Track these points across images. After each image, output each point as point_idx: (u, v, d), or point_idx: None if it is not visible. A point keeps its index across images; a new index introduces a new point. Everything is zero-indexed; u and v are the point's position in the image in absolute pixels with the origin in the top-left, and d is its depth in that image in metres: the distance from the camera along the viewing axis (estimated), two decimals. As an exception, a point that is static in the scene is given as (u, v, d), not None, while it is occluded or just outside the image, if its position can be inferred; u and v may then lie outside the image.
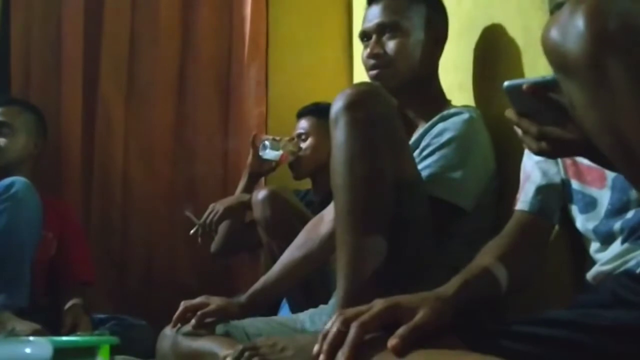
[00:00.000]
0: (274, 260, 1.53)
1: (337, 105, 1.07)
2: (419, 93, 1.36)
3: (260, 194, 1.71)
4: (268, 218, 1.68)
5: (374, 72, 1.35)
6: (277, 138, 1.98)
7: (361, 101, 1.06)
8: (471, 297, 0.82)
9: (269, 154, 1.95)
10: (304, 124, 2.03)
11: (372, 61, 1.35)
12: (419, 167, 1.21)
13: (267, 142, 1.95)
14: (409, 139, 1.31)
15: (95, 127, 2.25)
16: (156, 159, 2.32)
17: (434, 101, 1.38)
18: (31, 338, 0.51)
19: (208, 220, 1.84)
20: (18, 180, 1.74)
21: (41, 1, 2.24)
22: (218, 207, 1.86)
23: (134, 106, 2.32)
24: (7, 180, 1.74)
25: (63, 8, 2.24)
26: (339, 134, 1.06)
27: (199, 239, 1.85)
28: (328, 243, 1.33)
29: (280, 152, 1.95)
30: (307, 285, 1.58)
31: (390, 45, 1.34)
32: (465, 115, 1.28)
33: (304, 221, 1.50)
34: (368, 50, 1.36)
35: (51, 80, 2.22)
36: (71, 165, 2.19)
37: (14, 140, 1.95)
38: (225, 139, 2.40)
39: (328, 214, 1.38)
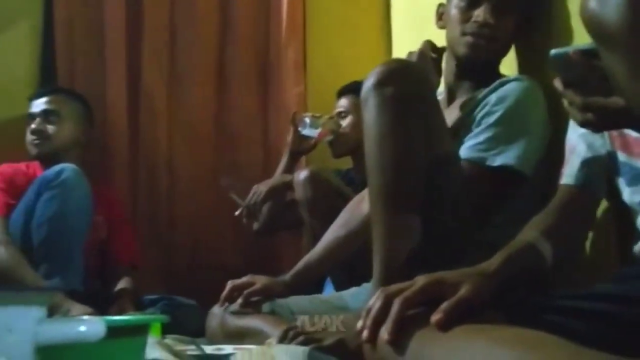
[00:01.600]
0: (315, 239, 1.55)
1: (367, 84, 1.07)
2: (484, 67, 1.35)
3: (302, 174, 1.73)
4: (309, 198, 1.69)
5: (473, 39, 1.30)
6: (317, 115, 1.99)
7: (390, 79, 1.05)
8: (515, 273, 0.82)
9: (309, 130, 1.96)
10: (343, 102, 2.04)
11: (479, 29, 1.29)
12: (481, 136, 1.20)
13: (306, 119, 1.96)
14: (456, 111, 1.30)
15: (139, 114, 2.30)
16: (198, 143, 2.36)
17: (491, 73, 1.36)
18: (85, 317, 0.53)
19: (252, 202, 1.87)
20: (67, 167, 1.79)
21: (84, -8, 2.29)
22: (261, 188, 1.88)
23: (175, 92, 2.36)
24: (57, 167, 1.79)
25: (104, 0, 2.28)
26: (368, 112, 1.06)
27: (244, 220, 1.88)
28: (369, 221, 1.33)
29: (319, 129, 1.95)
30: (351, 264, 1.60)
31: (501, 22, 1.30)
32: (523, 83, 1.26)
33: (345, 201, 1.51)
34: (479, 14, 1.28)
35: (96, 70, 2.27)
36: (118, 152, 2.25)
37: (61, 127, 2.01)
38: (264, 120, 2.42)
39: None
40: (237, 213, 1.90)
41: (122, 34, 2.28)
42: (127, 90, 2.28)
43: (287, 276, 1.46)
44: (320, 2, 2.50)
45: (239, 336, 1.35)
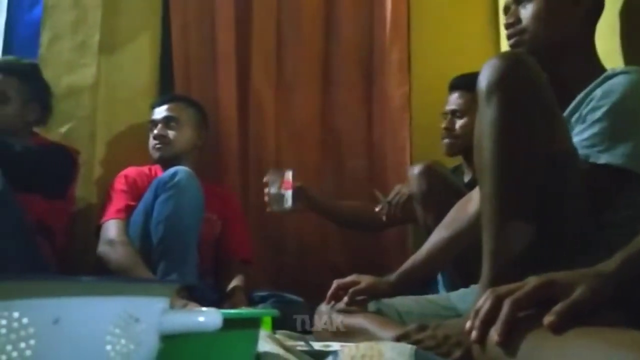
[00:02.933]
0: (428, 233, 1.53)
1: (485, 79, 1.02)
2: (568, 59, 1.27)
3: (417, 167, 1.71)
4: (424, 191, 1.67)
5: (510, 41, 1.29)
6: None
7: (513, 73, 1.00)
8: (635, 274, 0.77)
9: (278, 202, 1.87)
10: (457, 100, 1.95)
11: (509, 30, 1.29)
12: (585, 133, 1.14)
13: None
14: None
15: (249, 117, 2.39)
16: (305, 145, 2.42)
17: (586, 67, 1.27)
18: (203, 309, 0.56)
19: (394, 202, 1.86)
20: (180, 170, 1.90)
21: (197, 4, 2.41)
22: (404, 190, 1.86)
23: (283, 95, 2.43)
24: (171, 170, 1.91)
25: (216, 8, 2.39)
26: (489, 110, 1.00)
27: (384, 217, 1.87)
28: (476, 222, 1.30)
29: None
30: (462, 263, 1.57)
31: (524, 12, 1.27)
32: (631, 75, 1.16)
33: (459, 196, 1.48)
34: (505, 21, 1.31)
35: (208, 77, 2.39)
36: (229, 154, 2.35)
37: (181, 133, 2.14)
38: (368, 121, 2.43)
39: (476, 193, 1.35)
40: (377, 209, 1.91)
41: (232, 42, 2.38)
42: (237, 95, 2.37)
43: (393, 276, 1.46)
44: (425, 0, 2.47)
45: (345, 334, 1.37)
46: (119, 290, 0.49)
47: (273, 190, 1.82)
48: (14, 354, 0.44)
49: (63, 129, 2.21)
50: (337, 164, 2.42)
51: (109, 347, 0.48)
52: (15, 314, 0.44)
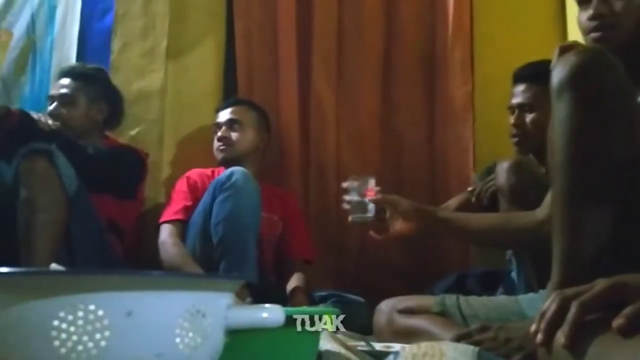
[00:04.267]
0: None
1: (560, 75, 0.97)
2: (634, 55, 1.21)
3: (506, 163, 1.67)
4: (512, 186, 1.64)
5: (596, 34, 1.21)
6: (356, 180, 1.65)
7: (588, 71, 0.96)
8: None
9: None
10: (525, 93, 1.82)
11: (594, 23, 1.21)
12: None
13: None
14: None
15: (310, 119, 2.41)
16: (365, 146, 2.42)
17: None
18: (267, 305, 0.58)
19: (486, 187, 1.81)
20: (236, 170, 1.94)
21: (259, 9, 2.45)
22: (491, 182, 1.83)
23: (343, 97, 2.44)
24: (227, 171, 1.95)
25: (278, 13, 2.43)
26: (561, 108, 0.96)
27: (473, 199, 1.85)
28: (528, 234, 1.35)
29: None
30: (540, 264, 1.52)
31: (618, 4, 1.19)
32: None
33: (544, 192, 1.44)
34: (590, 11, 1.21)
35: (270, 80, 2.43)
36: (291, 156, 2.38)
37: (244, 135, 2.19)
38: (430, 121, 2.41)
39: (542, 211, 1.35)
40: (469, 189, 1.90)
41: (293, 45, 2.41)
42: (298, 97, 2.40)
43: (439, 212, 1.51)
44: (488, -3, 2.43)
45: (406, 335, 1.36)
46: (187, 285, 0.51)
47: (354, 198, 1.63)
48: (90, 344, 0.46)
49: (133, 132, 2.30)
50: (397, 166, 2.41)
51: (178, 340, 0.50)
52: (91, 307, 0.46)
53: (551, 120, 1.02)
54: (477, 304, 1.45)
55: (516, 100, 1.83)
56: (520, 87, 1.84)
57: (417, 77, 2.44)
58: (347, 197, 1.62)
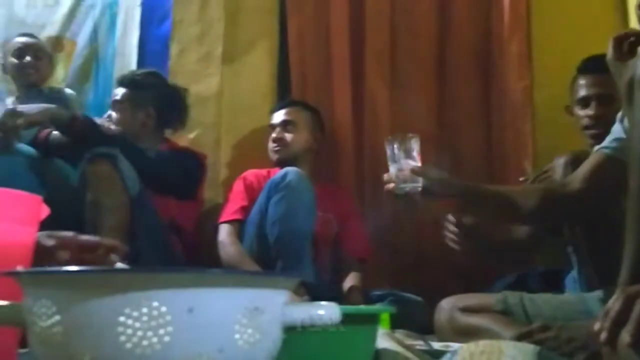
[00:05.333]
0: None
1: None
2: None
3: (564, 157, 1.62)
4: None
5: None
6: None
7: None
8: None
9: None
10: (603, 84, 1.70)
11: None
12: None
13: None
14: None
15: (364, 118, 2.41)
16: (421, 143, 2.39)
17: None
18: (323, 303, 0.59)
19: (540, 178, 1.76)
20: (290, 171, 1.96)
21: (312, 10, 2.47)
22: (550, 173, 1.77)
23: (397, 94, 2.43)
24: (282, 172, 1.97)
25: (330, 13, 2.44)
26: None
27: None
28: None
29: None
30: (601, 260, 1.47)
31: None
32: None
33: None
34: None
35: (324, 80, 2.44)
36: (345, 155, 2.38)
37: (298, 135, 2.21)
38: (487, 118, 2.37)
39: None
40: (521, 179, 1.87)
41: (346, 45, 2.41)
42: (351, 96, 2.40)
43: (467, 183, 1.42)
44: (546, -12, 2.37)
45: (467, 333, 1.34)
46: (245, 283, 0.52)
47: (399, 166, 1.31)
48: (154, 339, 0.48)
49: (192, 135, 2.36)
50: (454, 164, 2.37)
51: (237, 336, 0.51)
52: (155, 303, 0.48)
53: (626, 112, 0.97)
54: (542, 302, 1.41)
55: (591, 91, 1.74)
56: (595, 78, 1.74)
57: (473, 72, 2.40)
58: (391, 166, 1.34)
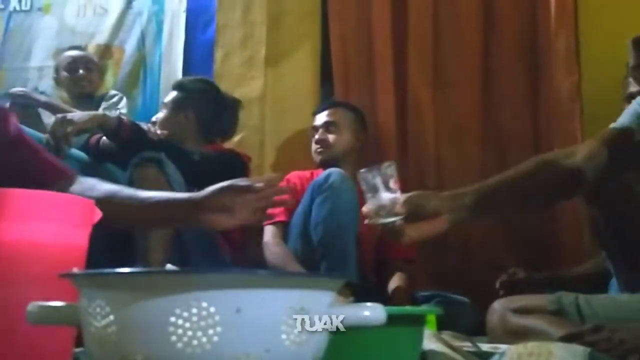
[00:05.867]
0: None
1: None
2: None
3: None
4: None
5: None
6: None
7: None
8: None
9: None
10: None
11: None
12: None
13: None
14: None
15: (407, 117, 2.40)
16: (466, 141, 2.37)
17: None
18: (368, 304, 0.59)
19: None
20: (333, 172, 1.96)
21: (354, 10, 2.47)
22: None
23: (441, 92, 2.41)
24: (325, 173, 1.98)
25: (373, 13, 2.44)
26: None
27: None
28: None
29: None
30: (629, 269, 1.42)
31: None
32: None
33: None
34: None
35: (366, 81, 2.44)
36: (388, 155, 2.36)
37: (340, 136, 2.22)
38: (534, 115, 2.32)
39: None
40: None
41: (388, 44, 2.41)
42: (394, 96, 2.39)
43: (469, 195, 1.17)
44: (593, -20, 2.30)
45: (519, 335, 1.30)
46: (291, 284, 0.53)
47: (378, 200, 1.19)
48: (204, 339, 0.49)
49: (236, 138, 2.39)
50: (500, 162, 2.33)
51: (284, 336, 0.52)
52: (204, 304, 0.49)
53: None
54: (598, 303, 1.36)
55: None
56: None
57: (519, 68, 2.36)
58: (369, 195, 1.19)
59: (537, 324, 1.29)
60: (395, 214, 1.14)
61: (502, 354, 0.74)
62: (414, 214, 1.12)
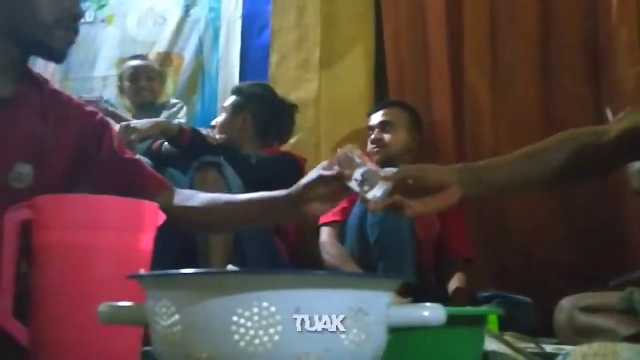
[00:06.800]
0: None
1: None
2: None
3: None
4: None
5: None
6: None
7: None
8: None
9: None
10: None
11: None
12: None
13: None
14: None
15: (464, 114, 2.36)
16: (525, 137, 2.30)
17: None
18: (428, 304, 0.58)
19: None
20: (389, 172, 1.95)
21: (408, 9, 2.46)
22: None
23: (498, 87, 2.36)
24: None
25: (427, 11, 2.42)
26: None
27: None
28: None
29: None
30: None
31: None
32: None
33: None
34: None
35: (422, 79, 2.42)
36: (445, 153, 2.35)
37: (396, 136, 2.21)
38: (596, 108, 2.24)
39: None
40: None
41: (443, 41, 2.38)
42: (451, 93, 2.37)
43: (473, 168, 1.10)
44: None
45: (588, 334, 1.27)
46: (350, 284, 0.53)
47: (357, 177, 1.07)
48: (265, 338, 0.50)
49: (292, 140, 2.42)
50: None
51: (343, 337, 0.52)
52: (265, 304, 0.50)
53: None
54: None
55: None
56: None
57: (580, 61, 2.29)
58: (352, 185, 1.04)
59: (607, 322, 1.26)
60: (380, 186, 1.04)
61: (567, 354, 0.72)
62: (413, 188, 1.02)
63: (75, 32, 1.09)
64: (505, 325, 1.24)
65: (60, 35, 1.05)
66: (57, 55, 1.08)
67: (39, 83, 1.11)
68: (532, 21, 2.34)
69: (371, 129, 2.26)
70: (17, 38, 1.03)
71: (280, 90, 2.38)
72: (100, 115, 1.17)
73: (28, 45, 1.05)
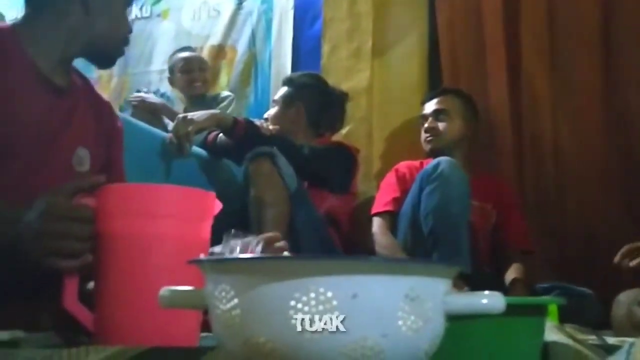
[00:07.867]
0: None
1: None
2: None
3: None
4: None
5: None
6: None
7: None
8: None
9: None
10: None
11: None
12: None
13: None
14: None
15: (521, 103, 2.31)
16: (585, 126, 2.24)
17: None
18: (486, 292, 0.58)
19: None
20: (442, 160, 1.93)
21: (462, -3, 2.41)
22: None
23: (558, 76, 2.29)
24: (434, 162, 1.95)
25: (483, -2, 2.36)
26: None
27: None
28: None
29: None
30: None
31: None
32: None
33: None
34: None
35: (476, 66, 2.37)
36: (503, 143, 2.30)
37: (451, 124, 2.18)
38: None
39: None
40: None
41: (500, 27, 2.33)
42: (507, 81, 2.31)
43: None
44: None
45: None
46: (406, 270, 0.53)
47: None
48: (322, 324, 0.50)
49: (344, 130, 2.42)
50: (624, 148, 2.18)
51: (400, 322, 0.52)
52: (321, 289, 0.51)
53: None
54: None
55: None
56: None
57: (645, 44, 2.19)
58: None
59: None
60: None
61: (632, 344, 0.69)
62: None
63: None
64: (565, 317, 1.21)
65: (123, 50, 1.21)
66: (111, 65, 1.25)
67: (82, 77, 1.22)
68: (592, 8, 2.26)
69: (425, 117, 2.23)
70: (90, 48, 1.16)
71: (332, 80, 2.38)
72: (120, 122, 1.28)
73: (96, 55, 1.18)
